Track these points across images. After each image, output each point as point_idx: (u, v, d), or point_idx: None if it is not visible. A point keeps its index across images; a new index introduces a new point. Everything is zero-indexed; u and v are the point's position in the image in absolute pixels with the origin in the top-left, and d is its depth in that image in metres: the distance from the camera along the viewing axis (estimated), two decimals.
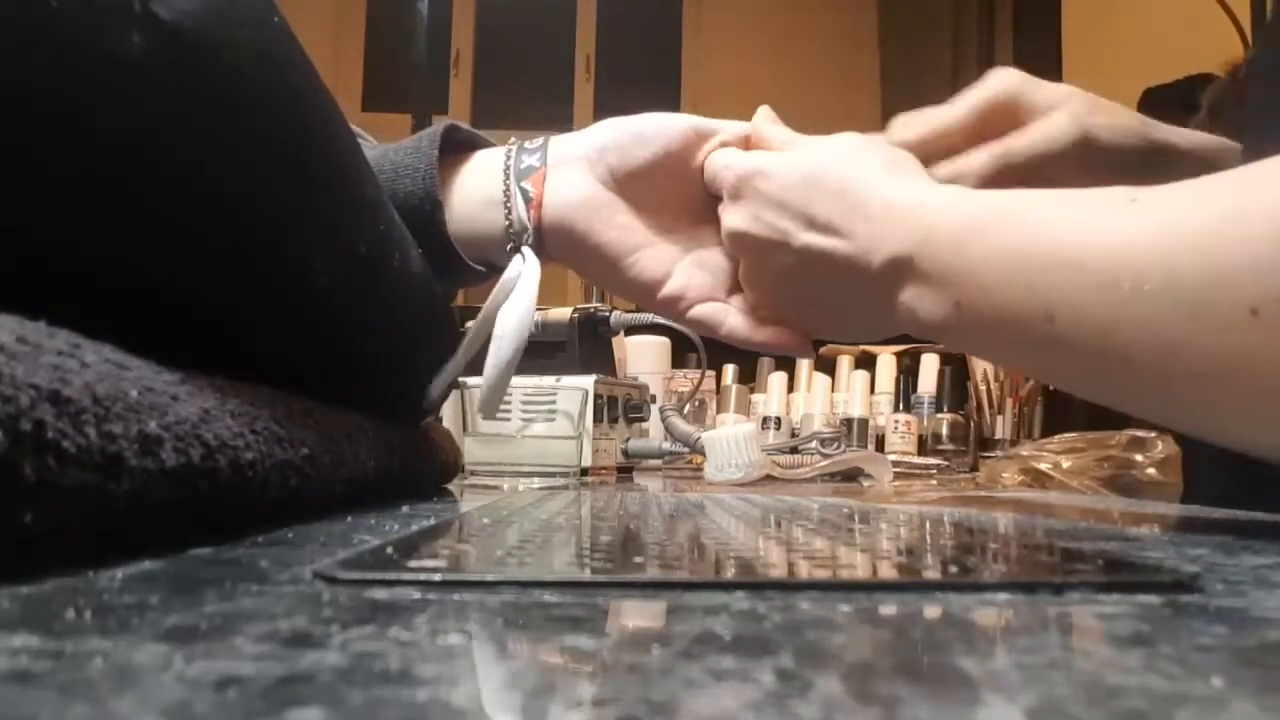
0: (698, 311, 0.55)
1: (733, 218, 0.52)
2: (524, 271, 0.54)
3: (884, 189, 0.46)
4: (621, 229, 0.55)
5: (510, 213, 0.55)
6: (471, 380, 0.62)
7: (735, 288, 0.55)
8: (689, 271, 0.56)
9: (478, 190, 0.56)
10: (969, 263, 0.41)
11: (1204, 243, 0.33)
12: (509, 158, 0.56)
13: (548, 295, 0.60)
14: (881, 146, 0.51)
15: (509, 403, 0.92)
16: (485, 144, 0.59)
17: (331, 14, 3.18)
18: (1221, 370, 0.33)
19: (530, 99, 3.27)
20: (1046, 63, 2.50)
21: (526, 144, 0.56)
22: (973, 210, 0.42)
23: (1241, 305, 0.32)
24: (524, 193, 0.55)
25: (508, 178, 0.55)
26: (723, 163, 0.53)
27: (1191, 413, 0.37)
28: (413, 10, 2.31)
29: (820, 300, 0.51)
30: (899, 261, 0.44)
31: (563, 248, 0.56)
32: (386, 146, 0.56)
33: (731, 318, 0.55)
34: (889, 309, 0.46)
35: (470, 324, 0.59)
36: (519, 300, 0.54)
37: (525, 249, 0.55)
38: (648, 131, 0.55)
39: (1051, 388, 1.80)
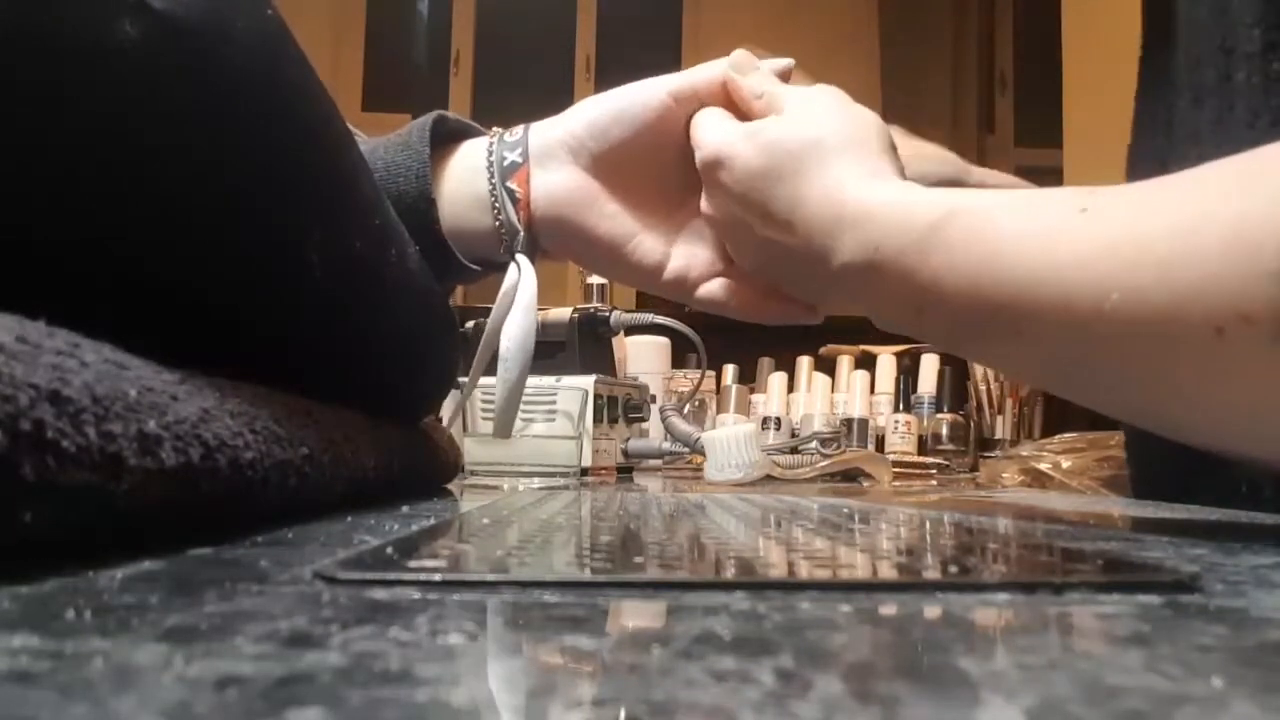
0: (704, 291, 0.55)
1: (705, 202, 0.52)
2: (520, 282, 0.54)
3: (836, 190, 0.45)
4: (614, 217, 0.55)
5: (499, 214, 0.54)
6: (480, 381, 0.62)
7: None
8: (688, 248, 0.55)
9: (466, 189, 0.55)
10: (928, 273, 0.40)
11: (1161, 261, 0.32)
12: (490, 153, 0.55)
13: (547, 295, 0.60)
14: (854, 118, 0.49)
15: None
16: (474, 132, 0.57)
17: (331, 14, 3.18)
18: (1191, 383, 0.33)
19: (530, 99, 3.26)
20: (1046, 64, 2.50)
21: (506, 136, 0.55)
22: (925, 216, 0.41)
23: (1206, 324, 0.31)
24: (510, 193, 0.54)
25: (492, 177, 0.54)
26: (696, 140, 0.52)
27: (1163, 423, 0.37)
28: (413, 10, 2.31)
29: (794, 284, 0.51)
30: (856, 267, 0.43)
31: (557, 243, 0.56)
32: (376, 142, 0.55)
33: (737, 294, 0.54)
34: (850, 305, 0.46)
35: (470, 324, 0.59)
36: (519, 314, 0.54)
37: (519, 256, 0.54)
38: (626, 109, 0.54)
39: None
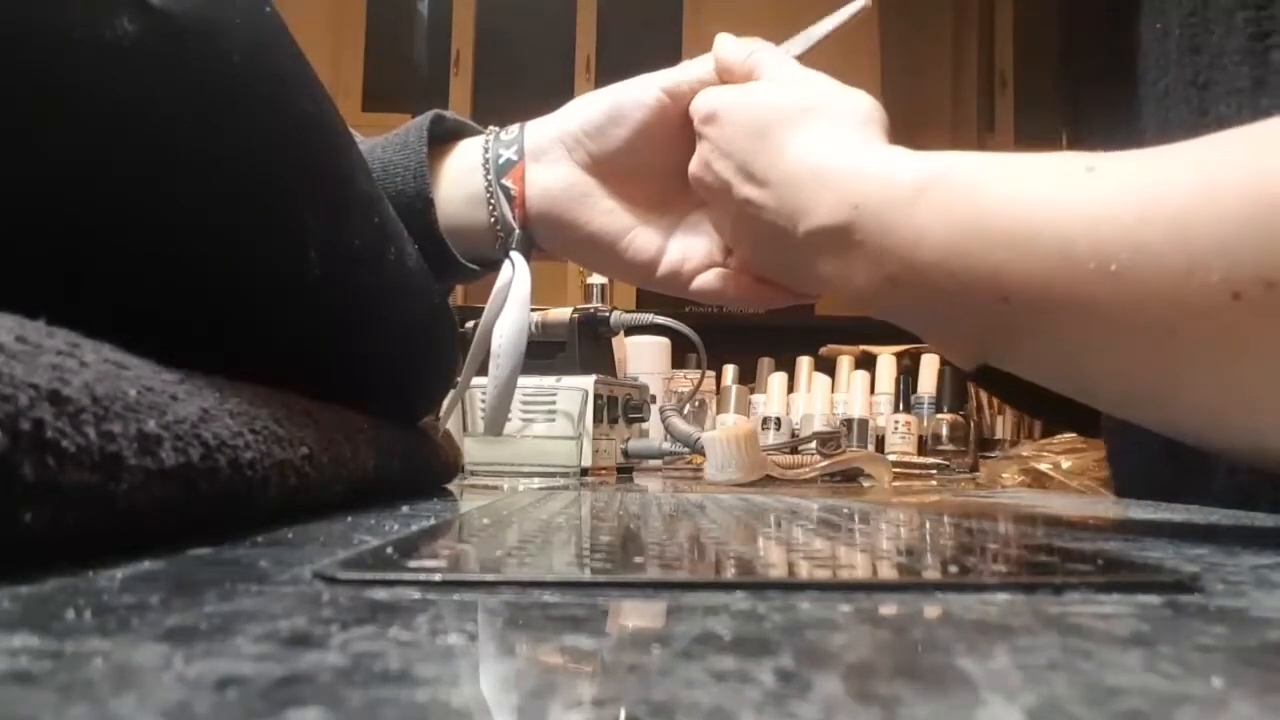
0: (700, 282, 0.54)
1: (693, 162, 0.51)
2: (514, 280, 0.54)
3: (820, 152, 0.44)
4: (609, 213, 0.54)
5: (494, 211, 0.54)
6: (474, 380, 0.62)
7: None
8: (684, 240, 0.55)
9: (462, 188, 0.55)
10: (909, 235, 0.38)
11: (1176, 219, 0.30)
12: (486, 151, 0.55)
13: (548, 295, 0.60)
14: (850, 93, 0.48)
15: None
16: (471, 130, 0.58)
17: (331, 14, 3.18)
18: (1200, 354, 0.31)
19: (530, 99, 3.25)
20: (1046, 62, 2.50)
21: (502, 134, 0.55)
22: (912, 177, 0.39)
23: (1223, 288, 0.29)
24: (505, 190, 0.54)
25: (488, 174, 0.54)
26: (692, 109, 0.52)
27: (1161, 401, 0.35)
28: (413, 10, 2.31)
29: (765, 252, 0.49)
30: (824, 232, 0.42)
31: (553, 240, 0.56)
32: (374, 142, 0.55)
33: (733, 283, 0.53)
34: (815, 276, 0.45)
35: (470, 324, 0.59)
36: (511, 312, 0.54)
37: (514, 254, 0.54)
38: (621, 106, 0.54)
39: None
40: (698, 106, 0.51)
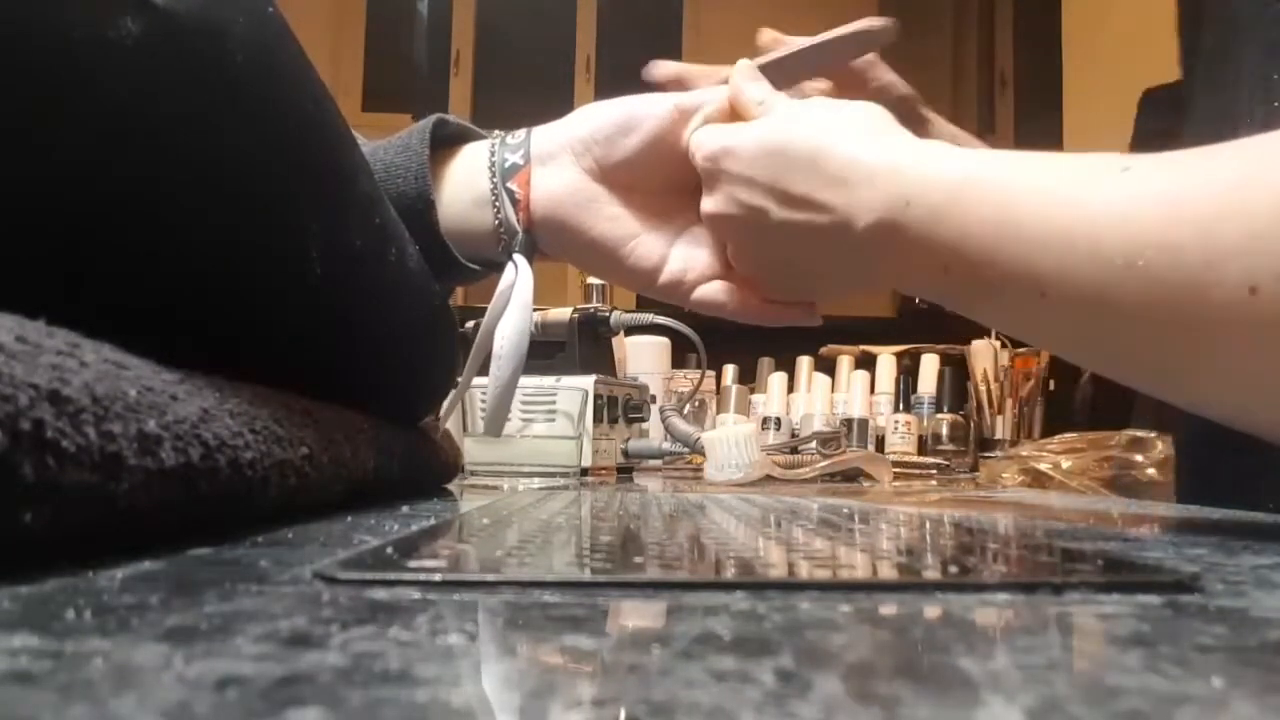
0: (701, 293, 0.54)
1: (708, 202, 0.51)
2: (517, 282, 0.54)
3: (859, 153, 0.45)
4: (613, 219, 0.55)
5: (498, 213, 0.54)
6: (474, 380, 0.62)
7: None
8: (686, 251, 0.55)
9: (466, 189, 0.55)
10: (956, 231, 0.40)
11: (1202, 218, 0.32)
12: (492, 154, 0.55)
13: (548, 295, 0.60)
14: (858, 106, 0.49)
15: None
16: (475, 135, 0.58)
17: (331, 14, 3.18)
18: (1219, 347, 0.33)
19: (530, 99, 3.26)
20: (1046, 62, 2.50)
21: (509, 139, 0.56)
22: (956, 174, 0.41)
23: (1240, 283, 0.31)
24: (510, 194, 0.54)
25: (494, 177, 0.55)
26: (694, 144, 0.52)
27: (1187, 388, 0.37)
28: (413, 10, 2.31)
29: (806, 270, 0.50)
30: (882, 226, 0.43)
31: (556, 245, 0.56)
32: (376, 144, 0.55)
33: (735, 297, 0.54)
34: (874, 273, 0.45)
35: (470, 324, 0.59)
36: (514, 314, 0.54)
37: (517, 256, 0.54)
38: (632, 118, 0.54)
39: (1051, 388, 1.80)
40: (703, 143, 0.51)
